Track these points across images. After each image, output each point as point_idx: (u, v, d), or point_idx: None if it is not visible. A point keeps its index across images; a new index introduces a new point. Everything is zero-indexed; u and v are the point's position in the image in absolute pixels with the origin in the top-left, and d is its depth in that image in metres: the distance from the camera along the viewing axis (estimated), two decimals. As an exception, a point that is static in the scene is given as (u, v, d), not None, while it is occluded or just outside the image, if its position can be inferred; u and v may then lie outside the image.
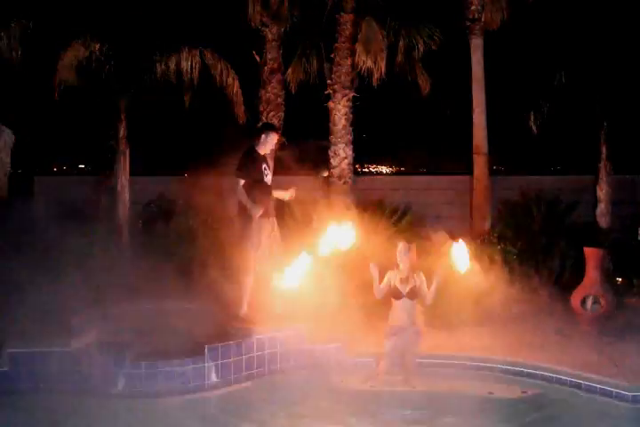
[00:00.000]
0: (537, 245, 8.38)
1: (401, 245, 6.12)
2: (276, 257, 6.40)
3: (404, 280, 6.04)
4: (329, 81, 10.14)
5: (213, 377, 5.68)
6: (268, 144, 6.47)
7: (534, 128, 9.73)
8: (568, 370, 5.74)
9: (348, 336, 6.40)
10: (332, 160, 10.06)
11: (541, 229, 8.76)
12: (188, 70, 9.58)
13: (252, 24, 10.01)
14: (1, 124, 6.98)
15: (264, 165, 6.41)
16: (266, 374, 6.00)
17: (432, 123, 13.90)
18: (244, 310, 6.42)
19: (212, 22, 9.89)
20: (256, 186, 6.34)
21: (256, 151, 6.43)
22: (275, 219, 6.48)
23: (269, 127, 6.78)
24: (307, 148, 11.01)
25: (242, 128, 9.91)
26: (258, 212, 6.17)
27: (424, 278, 6.02)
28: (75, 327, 6.19)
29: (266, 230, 6.35)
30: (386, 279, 6.08)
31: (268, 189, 6.41)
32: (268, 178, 6.43)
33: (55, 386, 5.51)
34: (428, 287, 6.02)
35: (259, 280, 6.47)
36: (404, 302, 5.98)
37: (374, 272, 6.04)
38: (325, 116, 10.17)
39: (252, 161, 6.33)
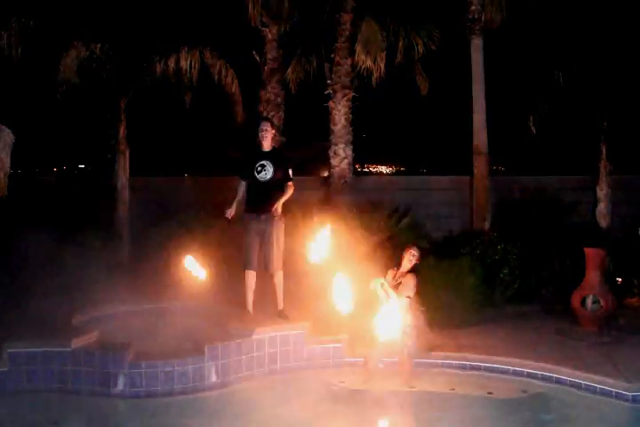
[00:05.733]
0: (537, 245, 8.38)
1: (413, 249, 6.15)
2: (272, 256, 6.38)
3: (394, 279, 6.08)
4: (329, 81, 10.13)
5: (213, 377, 5.69)
6: (262, 137, 6.43)
7: (533, 129, 9.72)
8: (568, 370, 5.74)
9: (348, 336, 6.40)
10: (332, 160, 10.06)
11: (541, 229, 8.76)
12: (188, 70, 9.58)
13: (252, 24, 10.00)
14: (1, 124, 6.96)
15: (260, 162, 6.36)
16: (266, 374, 6.01)
17: (432, 123, 13.90)
18: (245, 308, 6.43)
19: (211, 22, 9.89)
20: (248, 183, 6.42)
21: (255, 148, 6.45)
22: (272, 217, 6.32)
23: (258, 120, 6.71)
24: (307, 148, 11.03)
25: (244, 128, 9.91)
26: (228, 209, 6.35)
27: (410, 281, 6.02)
28: (75, 327, 6.20)
29: (254, 228, 6.35)
30: (387, 284, 6.10)
31: (258, 187, 6.35)
32: (261, 175, 6.33)
33: (55, 386, 5.52)
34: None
35: (261, 279, 6.49)
36: (394, 301, 6.00)
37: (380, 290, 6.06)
38: (325, 116, 10.17)
39: (245, 158, 6.44)
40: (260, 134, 6.42)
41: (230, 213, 6.39)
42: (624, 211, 9.69)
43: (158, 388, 5.49)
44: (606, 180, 9.68)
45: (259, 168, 6.35)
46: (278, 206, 6.25)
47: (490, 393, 5.68)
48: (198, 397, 5.52)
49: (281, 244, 6.42)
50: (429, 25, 9.93)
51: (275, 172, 6.33)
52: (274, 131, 6.56)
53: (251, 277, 6.42)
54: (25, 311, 6.54)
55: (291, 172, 6.41)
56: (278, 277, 6.45)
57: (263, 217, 6.33)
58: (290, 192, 6.38)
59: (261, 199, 6.30)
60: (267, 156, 6.41)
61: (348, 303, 6.14)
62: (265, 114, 10.09)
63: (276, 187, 6.34)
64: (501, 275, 7.78)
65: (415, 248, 6.21)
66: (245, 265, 6.42)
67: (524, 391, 5.71)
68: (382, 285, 6.01)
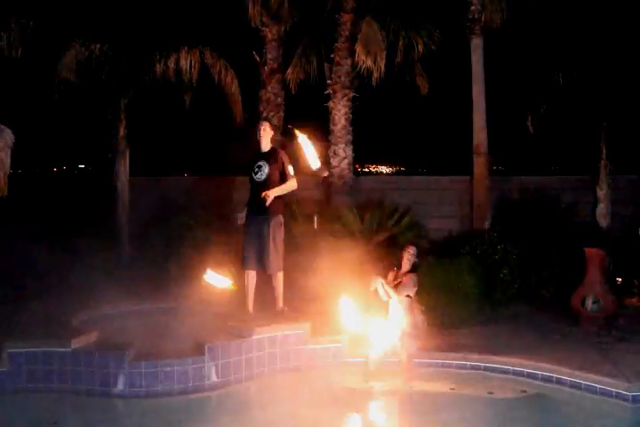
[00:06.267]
0: (537, 245, 8.39)
1: (410, 248, 6.17)
2: (269, 257, 6.37)
3: (395, 279, 6.09)
4: (329, 81, 10.13)
5: (213, 377, 5.68)
6: (259, 137, 6.43)
7: (531, 128, 9.72)
8: (568, 370, 5.73)
9: (348, 336, 6.40)
10: (332, 160, 10.05)
11: (541, 229, 8.76)
12: (188, 70, 9.58)
13: (252, 24, 10.01)
14: (1, 124, 6.97)
15: (258, 163, 6.38)
16: (266, 374, 6.01)
17: (432, 123, 13.88)
18: (245, 308, 6.44)
19: (211, 22, 9.90)
20: (250, 183, 6.46)
21: (255, 149, 6.46)
22: (266, 217, 6.33)
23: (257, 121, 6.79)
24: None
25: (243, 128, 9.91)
26: (239, 214, 6.45)
27: (410, 281, 6.02)
28: (75, 327, 6.20)
29: (252, 228, 6.35)
30: (386, 283, 6.11)
31: (255, 187, 6.37)
32: (257, 176, 6.36)
33: (55, 386, 5.52)
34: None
35: (261, 278, 6.49)
36: (394, 301, 6.01)
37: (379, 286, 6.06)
38: (325, 116, 10.17)
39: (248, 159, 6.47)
40: (257, 134, 6.45)
41: (241, 218, 6.45)
42: (624, 211, 9.69)
43: (158, 388, 5.48)
44: (606, 180, 9.67)
45: (256, 169, 6.38)
46: (271, 193, 6.20)
47: (490, 393, 5.68)
48: (198, 397, 5.51)
49: (279, 245, 6.40)
50: (429, 25, 9.92)
51: (270, 172, 6.32)
52: (272, 131, 6.55)
53: (250, 276, 6.43)
54: (25, 311, 6.54)
55: (291, 169, 6.39)
56: (278, 278, 6.44)
57: (260, 218, 6.34)
58: (289, 184, 6.35)
59: (258, 200, 6.29)
60: (264, 156, 6.42)
61: (358, 324, 6.09)
62: (265, 114, 10.11)
63: (273, 187, 6.31)
64: (501, 275, 7.78)
65: (412, 247, 6.22)
66: (243, 265, 6.43)
67: (524, 391, 5.71)
68: (382, 284, 6.02)
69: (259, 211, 6.31)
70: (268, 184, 6.31)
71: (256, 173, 6.37)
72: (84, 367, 5.53)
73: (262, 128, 6.43)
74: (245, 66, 10.36)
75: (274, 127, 6.80)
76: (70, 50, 9.13)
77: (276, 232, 6.38)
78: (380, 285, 6.02)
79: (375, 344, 6.03)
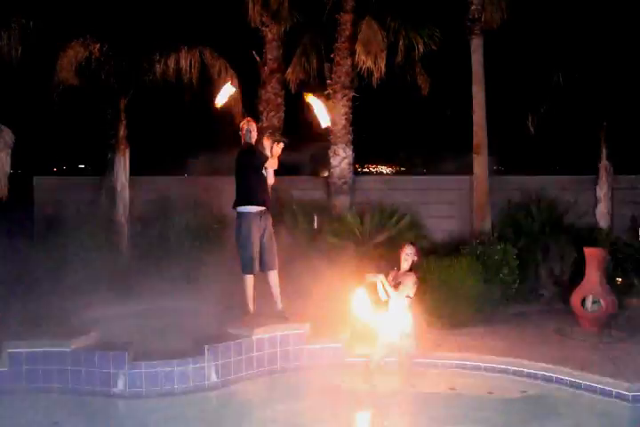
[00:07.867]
0: (537, 245, 8.39)
1: (407, 247, 6.17)
2: (273, 253, 6.39)
3: (394, 279, 6.09)
4: (329, 81, 10.13)
5: (213, 377, 5.68)
6: (252, 136, 6.49)
7: (532, 128, 9.72)
8: (568, 370, 5.74)
9: (348, 336, 6.40)
10: (332, 160, 10.06)
11: (541, 229, 8.77)
12: (188, 70, 9.58)
13: (252, 24, 10.01)
14: (1, 124, 6.97)
15: (261, 160, 6.44)
16: (266, 374, 6.01)
17: (432, 123, 13.89)
18: (245, 308, 6.43)
19: (211, 22, 9.90)
20: (252, 179, 6.45)
21: (251, 147, 6.49)
22: (269, 211, 6.47)
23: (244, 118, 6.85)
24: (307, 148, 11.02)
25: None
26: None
27: (409, 280, 6.02)
28: (75, 327, 6.19)
29: (256, 226, 6.34)
30: (386, 282, 6.11)
31: (263, 183, 6.47)
32: (263, 172, 6.47)
33: (55, 386, 5.52)
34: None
35: (260, 278, 6.49)
36: (394, 301, 6.01)
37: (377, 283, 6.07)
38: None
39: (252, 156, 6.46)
40: (251, 134, 6.49)
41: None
42: (624, 211, 9.70)
43: (158, 388, 5.49)
44: (606, 180, 9.68)
45: (261, 166, 6.45)
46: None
47: (490, 393, 5.68)
48: (198, 397, 5.51)
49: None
50: (430, 25, 9.92)
51: (268, 169, 6.53)
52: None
53: (251, 278, 6.39)
54: (25, 311, 6.54)
55: None
56: (275, 276, 6.45)
57: (265, 213, 6.41)
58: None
59: (265, 195, 6.40)
60: (262, 154, 6.51)
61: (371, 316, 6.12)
62: (265, 114, 10.11)
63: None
64: (501, 275, 7.78)
65: (409, 246, 6.21)
66: (248, 267, 6.34)
67: (524, 391, 5.71)
68: (382, 283, 6.01)
69: (264, 206, 6.40)
70: (268, 180, 6.52)
71: (261, 170, 6.47)
72: (83, 367, 5.53)
73: (253, 128, 6.53)
74: (245, 66, 10.35)
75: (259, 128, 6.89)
76: (70, 50, 9.12)
77: (271, 226, 6.51)
78: (379, 283, 6.01)
79: (375, 344, 6.04)
